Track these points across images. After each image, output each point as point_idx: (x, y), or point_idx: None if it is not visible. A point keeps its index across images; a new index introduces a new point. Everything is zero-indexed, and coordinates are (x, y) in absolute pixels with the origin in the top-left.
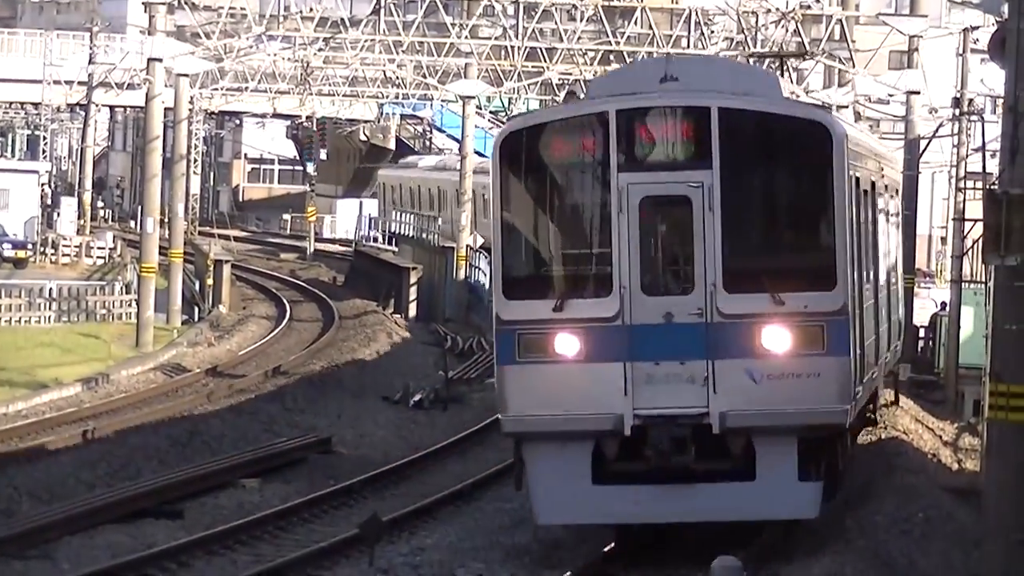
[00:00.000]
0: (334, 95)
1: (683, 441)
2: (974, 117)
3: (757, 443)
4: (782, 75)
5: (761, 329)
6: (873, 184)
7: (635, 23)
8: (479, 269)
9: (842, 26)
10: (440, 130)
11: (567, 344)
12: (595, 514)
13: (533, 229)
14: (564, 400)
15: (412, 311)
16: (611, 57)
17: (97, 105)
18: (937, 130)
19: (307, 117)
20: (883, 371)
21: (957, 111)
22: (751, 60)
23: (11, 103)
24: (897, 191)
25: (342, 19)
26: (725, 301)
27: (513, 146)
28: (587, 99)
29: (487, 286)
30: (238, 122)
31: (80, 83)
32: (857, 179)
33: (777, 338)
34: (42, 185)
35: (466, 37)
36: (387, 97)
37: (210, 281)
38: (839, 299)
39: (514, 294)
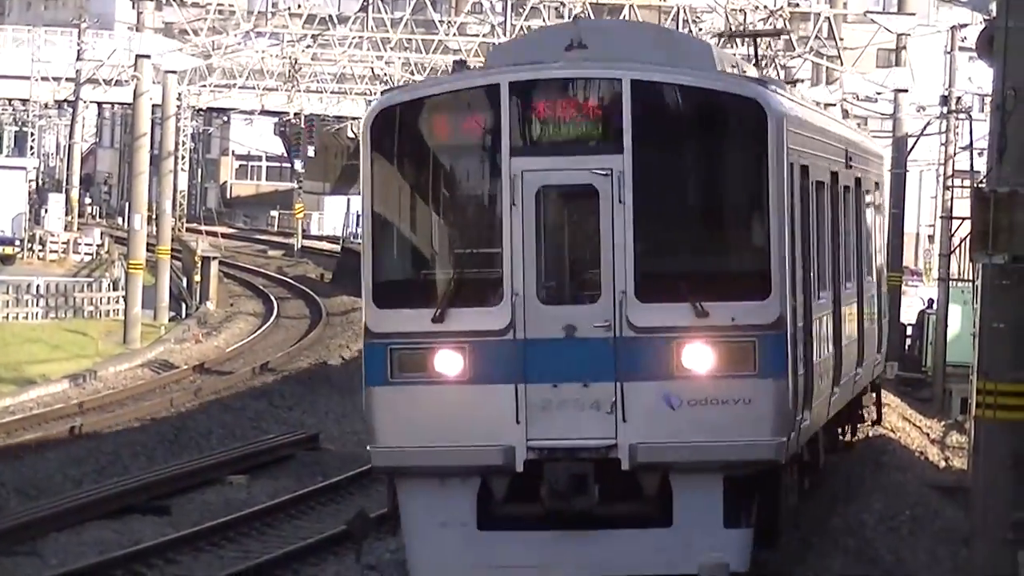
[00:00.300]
0: (322, 92)
1: (585, 479)
2: (962, 115)
3: (674, 482)
4: (757, 62)
5: (680, 346)
6: (835, 175)
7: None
8: None
9: (830, 23)
10: None
11: (448, 362)
12: (480, 566)
13: (410, 224)
14: (445, 429)
15: None
16: None
17: (85, 101)
18: (925, 128)
19: (295, 114)
20: (854, 390)
21: (945, 109)
22: (721, 40)
23: None
24: (877, 185)
25: (330, 16)
26: (637, 312)
27: (386, 125)
28: (480, 69)
29: None
30: (226, 119)
31: (68, 79)
32: (805, 168)
33: (699, 356)
34: (30, 182)
35: (454, 34)
36: (375, 94)
37: (197, 278)
38: (774, 310)
39: (387, 302)
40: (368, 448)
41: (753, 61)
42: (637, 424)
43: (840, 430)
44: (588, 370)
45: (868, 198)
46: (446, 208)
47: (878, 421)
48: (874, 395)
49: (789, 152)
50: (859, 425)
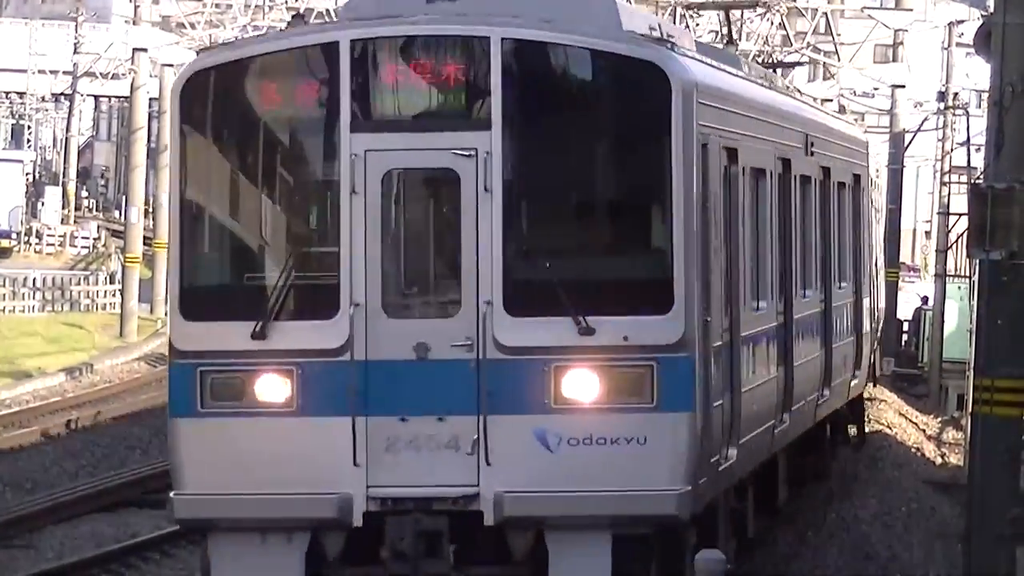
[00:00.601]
0: None
1: (438, 537)
2: (959, 111)
3: (551, 541)
4: (731, 38)
5: (559, 371)
6: (787, 163)
7: None
8: None
9: (827, 19)
10: None
11: (272, 388)
12: None
13: (227, 216)
14: (266, 472)
15: None
16: None
17: (82, 95)
18: (922, 124)
19: None
20: (819, 414)
21: (942, 105)
22: (682, 13)
23: None
24: (857, 177)
25: (327, 10)
26: (506, 328)
27: (199, 92)
28: (319, 24)
29: None
30: None
31: (65, 72)
32: (732, 151)
33: (582, 384)
34: (26, 175)
35: None
36: None
37: None
38: (677, 326)
39: (197, 312)
40: (171, 496)
41: (726, 38)
42: (505, 468)
43: (814, 454)
44: (444, 400)
45: (843, 192)
46: (271, 197)
47: (861, 442)
48: (866, 410)
49: (703, 130)
50: (845, 444)
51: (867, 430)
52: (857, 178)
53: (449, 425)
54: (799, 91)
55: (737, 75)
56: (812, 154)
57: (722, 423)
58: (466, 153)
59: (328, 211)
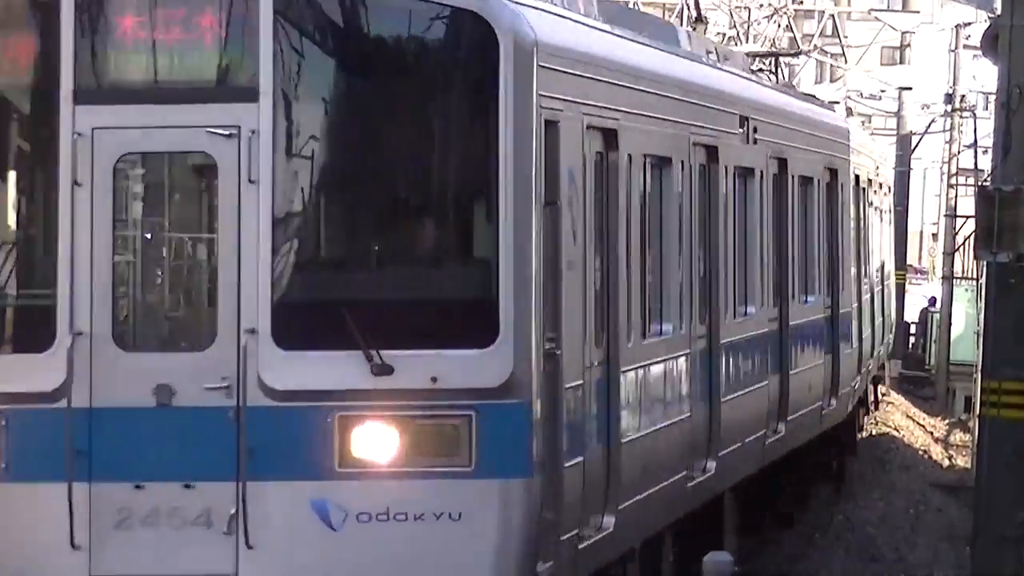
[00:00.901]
0: None
1: None
2: (966, 113)
3: None
4: (700, 16)
5: (346, 423)
6: (712, 152)
7: None
8: None
9: (834, 21)
10: None
11: None
12: None
13: None
14: None
15: None
16: None
17: None
18: (929, 126)
19: None
20: (767, 456)
21: (949, 107)
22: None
23: None
24: (833, 172)
25: None
26: (276, 365)
27: None
28: None
29: None
30: None
31: None
32: (609, 133)
33: (377, 440)
34: None
35: None
36: None
37: None
38: (504, 362)
39: None
40: None
41: (694, 19)
42: (272, 552)
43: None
44: (193, 461)
45: (810, 188)
46: None
47: (840, 478)
48: (858, 433)
49: (551, 103)
50: (825, 480)
51: (868, 435)
52: (833, 172)
53: (199, 494)
54: (770, 72)
55: (640, 42)
56: (755, 141)
57: (584, 486)
58: (225, 132)
59: (44, 208)
